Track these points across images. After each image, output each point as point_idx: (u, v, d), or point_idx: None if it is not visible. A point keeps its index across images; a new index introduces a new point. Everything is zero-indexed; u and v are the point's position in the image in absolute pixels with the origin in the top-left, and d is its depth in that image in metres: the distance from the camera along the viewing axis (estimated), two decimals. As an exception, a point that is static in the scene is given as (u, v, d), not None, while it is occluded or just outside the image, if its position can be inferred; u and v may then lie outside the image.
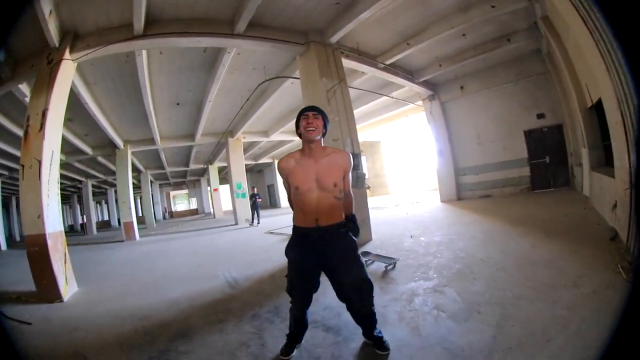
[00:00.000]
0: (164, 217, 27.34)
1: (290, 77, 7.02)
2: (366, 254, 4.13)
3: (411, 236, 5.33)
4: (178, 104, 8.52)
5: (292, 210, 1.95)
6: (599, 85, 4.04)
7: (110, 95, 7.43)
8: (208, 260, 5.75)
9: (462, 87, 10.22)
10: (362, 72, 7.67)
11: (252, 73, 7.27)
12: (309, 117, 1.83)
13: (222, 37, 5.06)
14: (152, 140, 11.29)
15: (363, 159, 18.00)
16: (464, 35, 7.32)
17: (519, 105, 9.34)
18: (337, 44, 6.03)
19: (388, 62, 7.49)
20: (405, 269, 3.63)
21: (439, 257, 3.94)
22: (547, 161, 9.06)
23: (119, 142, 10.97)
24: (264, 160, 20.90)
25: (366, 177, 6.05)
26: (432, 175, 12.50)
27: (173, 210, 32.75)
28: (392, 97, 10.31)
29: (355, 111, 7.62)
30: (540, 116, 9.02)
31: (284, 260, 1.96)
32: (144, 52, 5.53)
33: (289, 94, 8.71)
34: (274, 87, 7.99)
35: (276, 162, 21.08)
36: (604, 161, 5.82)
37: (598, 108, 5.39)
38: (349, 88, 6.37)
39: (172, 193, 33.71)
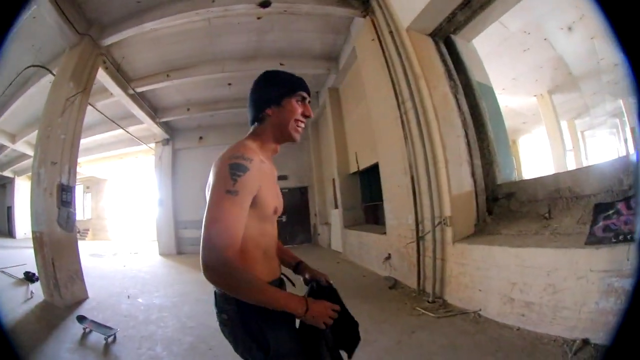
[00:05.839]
0: None
1: (51, 73, 5.39)
2: (82, 319, 3.32)
3: (128, 296, 4.57)
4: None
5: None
6: (378, 154, 4.69)
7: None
8: None
9: (201, 138, 9.81)
10: (111, 93, 6.62)
11: (29, 51, 5.57)
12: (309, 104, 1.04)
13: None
14: None
15: (87, 196, 16.44)
16: (229, 84, 6.98)
17: (258, 167, 9.37)
18: (105, 49, 5.30)
19: (139, 90, 6.69)
20: (128, 342, 2.92)
21: (162, 326, 3.30)
22: (283, 220, 9.32)
23: None
24: (7, 173, 15.04)
25: (75, 217, 4.77)
26: (153, 225, 10.83)
27: None
28: (129, 133, 8.83)
29: (88, 139, 6.37)
30: (282, 177, 9.73)
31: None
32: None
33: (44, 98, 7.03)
34: (35, 80, 6.36)
35: (17, 179, 15.29)
36: (365, 220, 6.61)
37: (364, 174, 6.25)
38: (90, 107, 5.50)
39: None
